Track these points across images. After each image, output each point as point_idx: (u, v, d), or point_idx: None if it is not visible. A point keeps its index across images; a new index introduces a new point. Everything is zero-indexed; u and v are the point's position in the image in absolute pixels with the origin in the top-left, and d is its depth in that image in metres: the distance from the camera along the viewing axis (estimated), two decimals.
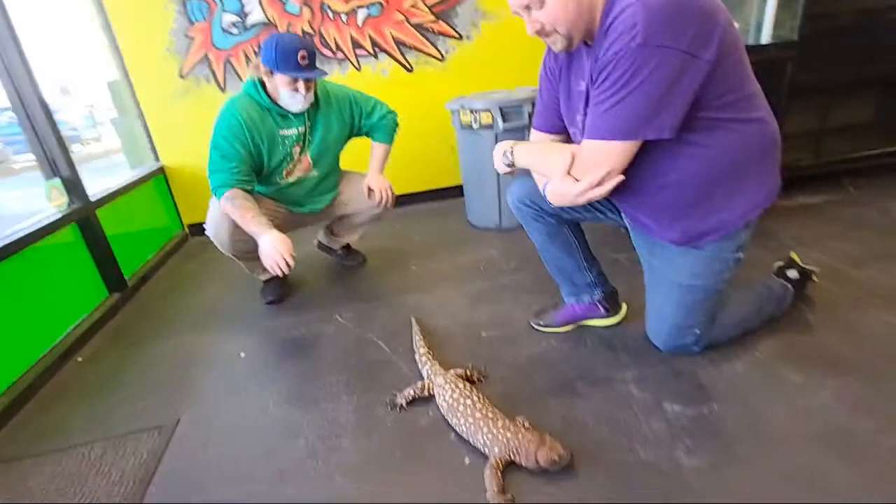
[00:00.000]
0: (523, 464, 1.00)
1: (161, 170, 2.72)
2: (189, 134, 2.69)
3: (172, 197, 2.80)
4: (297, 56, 1.54)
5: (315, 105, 1.74)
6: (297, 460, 1.13)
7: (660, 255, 1.20)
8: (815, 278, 1.45)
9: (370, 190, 1.89)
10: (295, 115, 1.70)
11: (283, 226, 1.88)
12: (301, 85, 1.60)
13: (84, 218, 1.92)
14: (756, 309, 1.34)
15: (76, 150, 9.11)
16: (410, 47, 2.72)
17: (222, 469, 1.13)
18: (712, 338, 1.28)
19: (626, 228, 1.30)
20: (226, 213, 1.65)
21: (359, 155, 2.02)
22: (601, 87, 0.97)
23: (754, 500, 0.90)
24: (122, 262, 2.11)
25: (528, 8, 0.99)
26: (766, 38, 1.83)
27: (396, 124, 1.94)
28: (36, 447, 1.28)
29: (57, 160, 1.84)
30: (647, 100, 0.93)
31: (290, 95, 1.62)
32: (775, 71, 1.80)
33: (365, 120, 1.86)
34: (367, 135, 1.93)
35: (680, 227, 1.12)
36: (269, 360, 1.58)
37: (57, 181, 1.83)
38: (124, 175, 2.51)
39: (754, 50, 1.81)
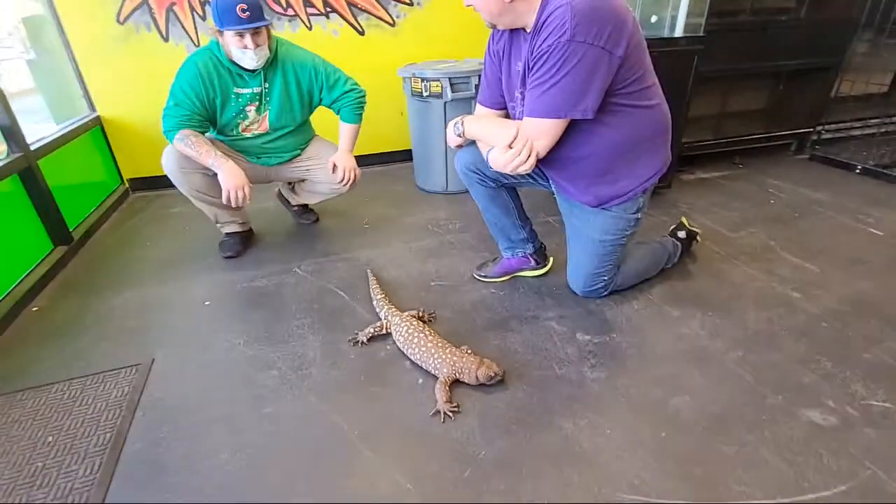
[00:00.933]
0: (466, 380, 1.25)
1: (97, 120, 2.60)
2: (128, 84, 2.59)
3: (111, 150, 2.70)
4: (237, 10, 1.57)
5: (273, 68, 1.80)
6: (272, 387, 1.30)
7: (578, 215, 1.47)
8: (699, 238, 1.81)
9: (335, 166, 1.94)
10: (252, 75, 1.76)
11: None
12: (249, 40, 1.63)
13: (25, 168, 1.86)
14: (653, 262, 1.66)
15: None
16: (362, 9, 2.76)
17: (203, 396, 1.28)
18: (617, 284, 1.59)
19: (553, 193, 1.55)
20: (183, 153, 1.73)
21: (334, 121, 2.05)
22: (537, 74, 1.18)
23: (636, 399, 1.21)
24: (66, 215, 2.08)
25: None
26: (679, 31, 2.11)
27: (361, 102, 1.93)
28: (9, 385, 1.34)
29: None
30: (573, 86, 1.16)
31: (241, 52, 1.66)
32: (684, 61, 2.09)
33: (326, 93, 1.89)
34: (333, 110, 1.95)
35: (593, 192, 1.38)
36: (234, 308, 1.70)
37: None
38: (46, 124, 2.38)
39: (668, 42, 2.09)
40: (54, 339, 1.54)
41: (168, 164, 1.79)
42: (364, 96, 1.95)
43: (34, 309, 1.71)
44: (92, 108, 2.62)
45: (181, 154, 1.75)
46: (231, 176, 1.69)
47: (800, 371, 1.28)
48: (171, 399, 1.28)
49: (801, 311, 1.52)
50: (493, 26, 1.30)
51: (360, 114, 1.95)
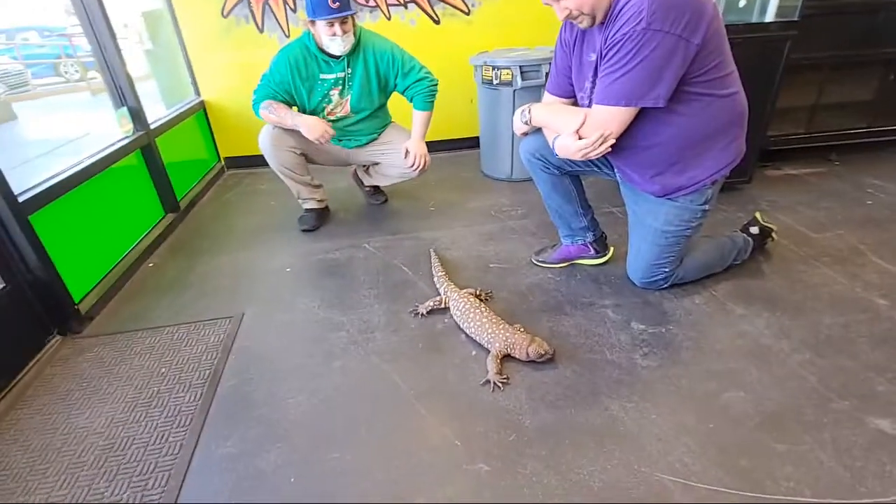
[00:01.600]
0: (517, 356, 1.32)
1: (202, 104, 2.93)
2: (227, 71, 2.89)
3: (211, 130, 3.03)
4: (328, 1, 1.76)
5: (356, 54, 1.95)
6: (341, 346, 1.45)
7: (642, 204, 1.47)
8: (774, 236, 1.72)
9: (407, 151, 2.08)
10: (336, 61, 1.92)
11: (320, 155, 2.14)
12: (337, 28, 1.81)
13: (147, 145, 2.17)
14: (719, 256, 1.61)
15: (93, 76, 9.16)
16: None
17: (284, 347, 1.46)
18: (679, 277, 1.57)
19: (618, 182, 1.55)
20: (267, 120, 1.96)
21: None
22: (610, 61, 1.20)
23: (687, 390, 1.21)
24: (175, 187, 2.38)
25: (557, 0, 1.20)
26: (770, 16, 1.97)
27: (433, 91, 2.04)
28: (132, 326, 1.61)
29: (124, 91, 2.07)
30: (647, 74, 1.16)
31: (330, 39, 1.84)
32: (774, 48, 1.96)
33: (401, 79, 2.01)
34: (406, 97, 2.07)
35: (659, 182, 1.37)
36: (310, 275, 1.88)
37: (125, 110, 2.07)
38: (158, 105, 2.72)
39: (756, 27, 1.97)
40: (165, 291, 1.81)
41: (263, 142, 2.01)
42: (436, 85, 2.04)
43: (150, 265, 2.01)
44: (197, 93, 2.94)
45: (275, 133, 1.98)
46: (312, 126, 1.91)
47: (874, 379, 1.21)
48: (258, 347, 1.47)
49: (885, 319, 1.42)
50: (594, 20, 1.22)
51: (432, 102, 2.06)
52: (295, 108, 2.03)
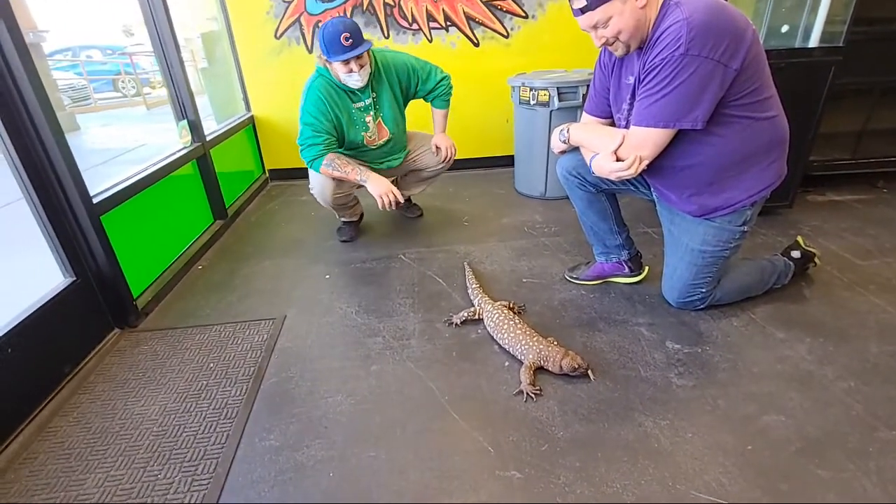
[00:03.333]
0: (550, 369, 1.34)
1: (251, 119, 3.10)
2: (276, 89, 3.06)
3: (258, 143, 3.20)
4: (341, 39, 1.75)
5: (378, 77, 2.01)
6: (378, 350, 1.50)
7: (679, 223, 1.48)
8: (816, 261, 1.68)
9: (437, 148, 2.20)
10: (361, 90, 1.97)
11: None
12: (353, 64, 1.83)
13: (202, 156, 2.32)
14: (758, 279, 1.59)
15: (148, 91, 9.79)
16: (479, 23, 2.95)
17: (323, 349, 1.53)
18: (716, 298, 1.55)
19: (654, 201, 1.57)
20: (328, 176, 1.98)
21: (419, 117, 2.35)
22: (649, 85, 1.23)
23: (724, 411, 1.20)
24: (224, 195, 2.53)
25: (595, 27, 1.24)
26: (813, 42, 1.96)
27: (451, 89, 2.16)
28: (183, 323, 1.71)
29: (186, 105, 2.23)
30: (684, 97, 1.19)
31: (347, 76, 1.87)
32: (817, 73, 1.94)
33: (421, 86, 2.11)
34: (427, 100, 2.18)
35: (696, 202, 1.38)
36: (348, 282, 1.95)
37: (185, 122, 2.23)
38: (208, 120, 2.88)
39: (799, 52, 1.97)
40: (213, 292, 1.92)
41: (319, 189, 2.07)
42: (450, 81, 2.16)
43: (199, 267, 2.13)
44: (248, 108, 3.13)
45: (329, 182, 2.02)
46: (378, 184, 1.95)
47: None
48: (299, 348, 1.54)
49: None
50: (628, 48, 1.26)
51: (450, 99, 2.19)
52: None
